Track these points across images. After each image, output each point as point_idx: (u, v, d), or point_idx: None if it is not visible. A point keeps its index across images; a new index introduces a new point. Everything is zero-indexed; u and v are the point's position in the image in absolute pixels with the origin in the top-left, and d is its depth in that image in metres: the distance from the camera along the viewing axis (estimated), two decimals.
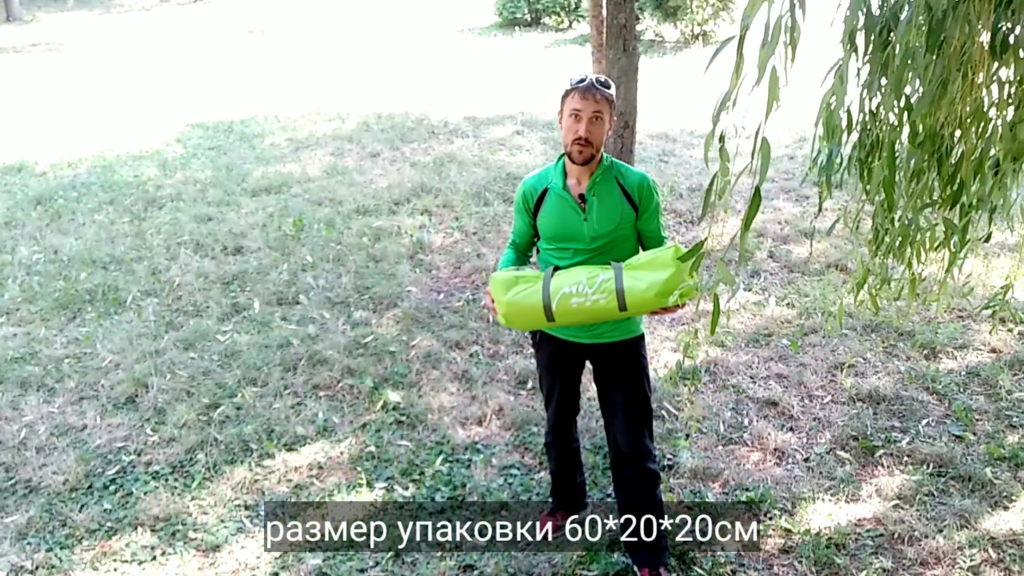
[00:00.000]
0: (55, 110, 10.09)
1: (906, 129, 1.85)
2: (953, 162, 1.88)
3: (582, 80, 2.35)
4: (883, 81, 1.82)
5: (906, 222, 1.97)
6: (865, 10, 1.75)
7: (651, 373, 2.91)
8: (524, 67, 11.46)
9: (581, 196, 2.43)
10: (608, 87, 2.37)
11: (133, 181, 7.09)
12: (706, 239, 1.72)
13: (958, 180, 1.82)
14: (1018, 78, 1.86)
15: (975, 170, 1.95)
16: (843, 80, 1.67)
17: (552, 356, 2.66)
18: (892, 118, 1.87)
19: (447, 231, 5.76)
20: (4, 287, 5.12)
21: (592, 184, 2.42)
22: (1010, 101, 1.89)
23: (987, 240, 2.26)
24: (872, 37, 1.78)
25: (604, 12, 5.62)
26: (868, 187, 1.99)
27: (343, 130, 8.41)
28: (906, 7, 1.72)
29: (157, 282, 5.09)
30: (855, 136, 2.01)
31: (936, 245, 2.17)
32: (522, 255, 2.66)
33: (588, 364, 2.68)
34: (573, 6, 14.82)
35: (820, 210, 2.39)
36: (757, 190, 1.57)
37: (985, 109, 1.90)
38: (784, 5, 1.48)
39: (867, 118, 1.94)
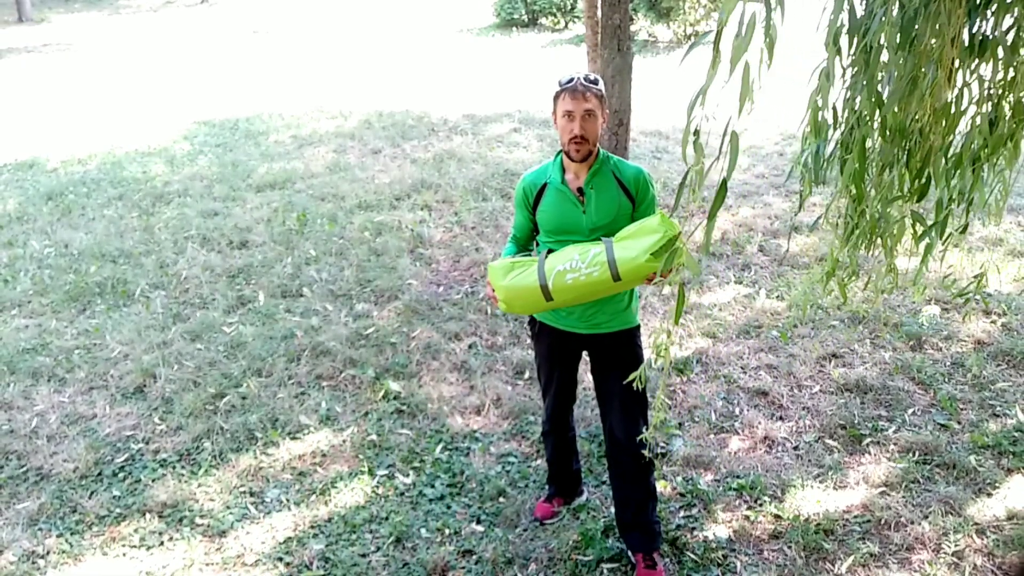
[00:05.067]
0: (66, 108, 10.16)
1: (877, 123, 1.91)
2: (921, 157, 1.95)
3: (570, 80, 2.40)
4: (862, 79, 1.88)
5: (876, 214, 2.03)
6: (849, 9, 1.80)
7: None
8: (521, 67, 11.50)
9: (579, 189, 2.49)
10: (596, 83, 2.42)
11: (141, 177, 7.17)
12: (679, 234, 1.77)
13: (926, 174, 1.89)
14: (996, 75, 1.92)
15: (954, 165, 2.01)
16: (829, 78, 1.73)
17: (551, 346, 2.72)
18: (866, 113, 1.93)
19: (446, 226, 5.84)
20: (16, 280, 5.22)
21: (590, 178, 2.48)
22: (989, 97, 1.95)
23: (963, 231, 2.32)
24: (855, 38, 1.84)
25: (599, 13, 5.68)
26: (842, 181, 2.05)
27: (345, 128, 8.47)
28: (881, 6, 1.78)
29: (165, 275, 5.18)
30: (838, 133, 2.07)
31: (914, 237, 2.23)
32: (522, 249, 2.71)
33: (584, 355, 2.75)
34: (569, 7, 14.85)
35: (801, 206, 2.45)
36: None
37: (959, 105, 1.96)
38: (761, 5, 1.54)
39: (848, 115, 2.00)
